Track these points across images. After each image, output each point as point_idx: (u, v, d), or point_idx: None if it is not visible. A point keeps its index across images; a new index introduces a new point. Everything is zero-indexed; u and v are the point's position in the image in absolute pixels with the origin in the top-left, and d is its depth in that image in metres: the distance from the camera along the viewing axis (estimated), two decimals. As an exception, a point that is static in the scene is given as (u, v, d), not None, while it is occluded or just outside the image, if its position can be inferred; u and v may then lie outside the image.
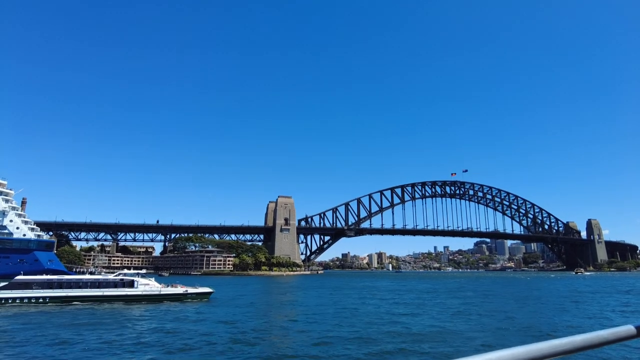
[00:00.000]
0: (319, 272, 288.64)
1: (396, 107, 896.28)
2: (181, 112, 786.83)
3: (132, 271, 61.31)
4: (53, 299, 51.17)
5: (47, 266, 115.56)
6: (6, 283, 52.53)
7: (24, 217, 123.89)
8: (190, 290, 59.15)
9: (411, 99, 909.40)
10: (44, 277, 56.57)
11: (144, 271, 66.13)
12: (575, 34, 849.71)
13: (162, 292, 56.80)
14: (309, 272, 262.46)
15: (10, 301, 49.74)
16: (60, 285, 53.10)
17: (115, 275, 57.81)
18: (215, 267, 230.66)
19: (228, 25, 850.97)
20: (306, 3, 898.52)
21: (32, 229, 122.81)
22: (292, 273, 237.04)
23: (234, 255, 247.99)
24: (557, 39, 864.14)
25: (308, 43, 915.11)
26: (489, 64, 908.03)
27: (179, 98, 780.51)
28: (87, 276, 57.79)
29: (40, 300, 50.83)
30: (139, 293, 55.45)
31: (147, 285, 56.85)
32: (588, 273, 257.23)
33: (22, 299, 50.34)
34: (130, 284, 55.69)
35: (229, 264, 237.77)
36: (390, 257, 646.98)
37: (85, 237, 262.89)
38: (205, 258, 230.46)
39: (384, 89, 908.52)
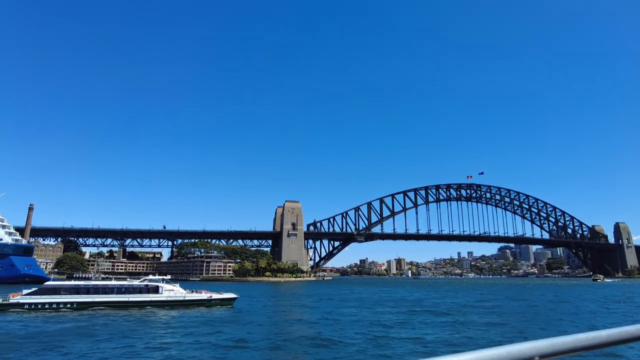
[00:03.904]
0: (326, 278, 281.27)
1: (407, 110, 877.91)
2: (189, 119, 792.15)
3: (157, 277, 61.41)
4: (80, 304, 52.27)
5: (24, 272, 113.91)
6: (36, 288, 53.44)
7: (3, 222, 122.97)
8: (215, 296, 59.22)
9: (423, 101, 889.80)
10: (72, 282, 58.36)
11: (168, 277, 65.42)
12: (602, 35, 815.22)
13: (186, 298, 57.05)
14: (314, 278, 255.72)
15: (39, 306, 51.04)
16: (87, 290, 54.11)
17: (141, 281, 58.43)
18: (215, 273, 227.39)
19: (238, 35, 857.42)
20: (319, 15, 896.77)
21: (10, 234, 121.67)
22: (293, 279, 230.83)
23: (238, 260, 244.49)
24: (581, 41, 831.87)
25: (319, 51, 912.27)
26: (504, 66, 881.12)
27: (187, 106, 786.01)
28: (113, 282, 58.56)
29: (68, 305, 51.89)
30: (164, 299, 55.64)
31: (172, 291, 57.03)
32: (609, 280, 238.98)
33: (50, 304, 51.48)
34: (155, 290, 56.10)
35: (229, 270, 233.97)
36: (410, 263, 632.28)
37: (93, 243, 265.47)
38: (205, 264, 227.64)
39: (395, 93, 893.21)
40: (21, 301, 51.03)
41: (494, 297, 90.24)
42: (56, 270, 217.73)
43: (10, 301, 51.03)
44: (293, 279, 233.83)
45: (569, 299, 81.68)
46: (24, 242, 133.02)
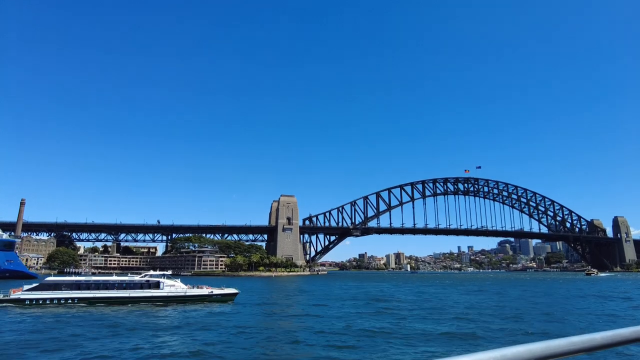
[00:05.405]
0: (320, 273, 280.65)
1: (404, 105, 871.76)
2: (185, 113, 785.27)
3: (157, 272, 60.92)
4: (81, 299, 52.04)
5: (3, 267, 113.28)
6: (37, 284, 53.57)
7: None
8: (216, 291, 59.01)
9: (420, 96, 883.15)
10: (73, 278, 57.93)
11: (169, 272, 66.04)
12: (602, 30, 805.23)
13: (187, 294, 56.88)
14: (308, 273, 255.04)
15: (40, 302, 50.96)
16: (88, 286, 53.86)
17: (142, 277, 58.20)
18: (207, 268, 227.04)
19: (237, 32, 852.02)
20: (318, 10, 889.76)
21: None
22: (285, 274, 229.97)
23: (232, 255, 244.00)
24: (581, 35, 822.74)
25: (317, 46, 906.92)
26: (502, 61, 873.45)
27: (183, 100, 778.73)
28: (115, 277, 58.09)
29: (69, 301, 51.73)
30: (165, 294, 55.51)
31: (173, 287, 56.88)
32: (604, 274, 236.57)
33: (51, 299, 51.39)
34: (156, 285, 55.98)
35: (221, 265, 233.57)
36: (410, 257, 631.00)
37: (87, 238, 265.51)
38: (197, 258, 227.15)
39: (390, 87, 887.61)
40: (22, 297, 50.92)
41: (468, 290, 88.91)
42: (47, 265, 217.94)
43: (11, 297, 50.94)
44: (286, 273, 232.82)
45: (548, 294, 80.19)
46: (4, 236, 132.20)
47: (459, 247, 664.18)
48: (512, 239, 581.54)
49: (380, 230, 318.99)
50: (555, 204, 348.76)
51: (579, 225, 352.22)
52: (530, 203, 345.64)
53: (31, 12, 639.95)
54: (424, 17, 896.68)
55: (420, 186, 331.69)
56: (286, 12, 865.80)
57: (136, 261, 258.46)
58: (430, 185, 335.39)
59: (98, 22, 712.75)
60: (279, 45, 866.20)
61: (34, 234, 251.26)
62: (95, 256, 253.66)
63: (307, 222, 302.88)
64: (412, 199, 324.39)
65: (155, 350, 26.53)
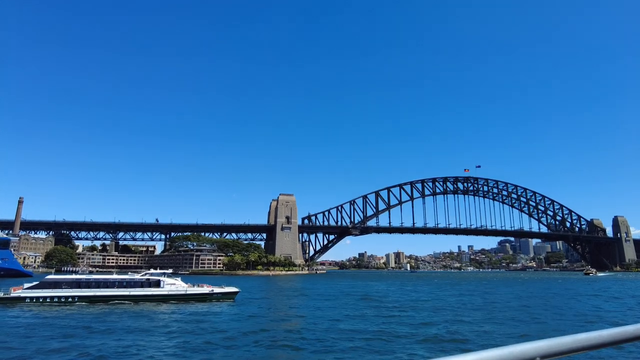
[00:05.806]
0: (319, 272, 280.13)
1: (404, 105, 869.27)
2: (183, 112, 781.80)
3: (158, 271, 60.74)
4: (81, 298, 52.12)
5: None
6: (37, 282, 53.69)
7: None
8: (216, 290, 59.11)
9: (420, 95, 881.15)
10: (74, 276, 57.90)
11: (170, 270, 66.41)
12: (603, 29, 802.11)
13: (188, 292, 56.94)
14: (307, 272, 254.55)
15: (40, 300, 51.01)
16: (88, 284, 53.94)
17: (142, 275, 58.37)
18: (204, 266, 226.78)
19: (237, 32, 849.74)
20: (318, 9, 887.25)
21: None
22: (284, 273, 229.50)
23: (230, 254, 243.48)
24: (581, 34, 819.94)
25: (315, 45, 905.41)
26: (502, 61, 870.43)
27: (181, 99, 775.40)
28: (115, 276, 58.05)
29: (70, 299, 51.76)
30: (165, 293, 55.63)
31: (173, 285, 56.93)
32: (602, 274, 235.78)
33: (52, 298, 51.42)
34: (157, 284, 56.02)
35: (219, 263, 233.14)
36: (410, 256, 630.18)
37: (86, 237, 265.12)
38: (195, 257, 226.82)
39: (390, 87, 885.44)
40: (22, 295, 51.07)
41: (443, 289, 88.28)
42: (45, 263, 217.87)
43: (12, 295, 50.99)
44: (284, 272, 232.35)
45: (540, 296, 79.58)
46: (0, 234, 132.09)
47: (459, 247, 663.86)
48: (512, 239, 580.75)
49: (379, 230, 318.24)
50: (555, 203, 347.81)
51: (578, 225, 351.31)
52: (530, 202, 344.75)
53: (31, 12, 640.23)
54: (424, 17, 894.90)
55: (419, 185, 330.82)
56: (286, 12, 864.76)
57: (134, 260, 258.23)
58: (430, 184, 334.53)
59: (98, 22, 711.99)
60: (279, 45, 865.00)
61: (32, 232, 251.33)
62: (93, 255, 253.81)
63: (306, 221, 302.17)
64: (412, 198, 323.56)
65: (119, 350, 25.83)
